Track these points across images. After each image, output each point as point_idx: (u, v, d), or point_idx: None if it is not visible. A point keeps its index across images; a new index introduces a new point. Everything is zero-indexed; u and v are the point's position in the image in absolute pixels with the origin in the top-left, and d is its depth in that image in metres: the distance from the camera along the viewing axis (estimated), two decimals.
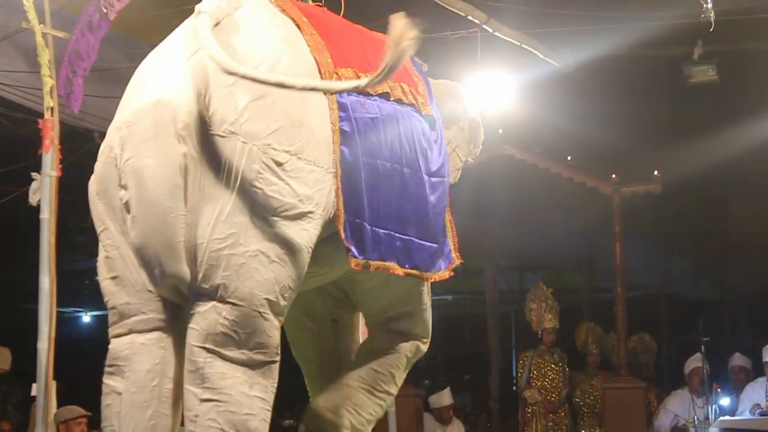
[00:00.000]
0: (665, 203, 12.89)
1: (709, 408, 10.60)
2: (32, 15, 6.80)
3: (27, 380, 6.78)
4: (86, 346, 21.11)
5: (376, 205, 4.47)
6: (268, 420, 4.11)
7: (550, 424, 11.56)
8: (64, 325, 17.78)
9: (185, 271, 4.08)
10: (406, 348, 5.00)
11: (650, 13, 9.31)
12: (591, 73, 10.45)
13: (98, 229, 4.34)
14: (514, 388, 12.03)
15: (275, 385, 4.16)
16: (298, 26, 4.50)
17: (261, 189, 4.04)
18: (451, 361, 19.93)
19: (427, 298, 5.04)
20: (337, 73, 4.39)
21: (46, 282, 6.65)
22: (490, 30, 9.20)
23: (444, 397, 11.80)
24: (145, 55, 10.22)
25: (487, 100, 9.97)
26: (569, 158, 11.98)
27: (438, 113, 5.06)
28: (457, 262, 5.06)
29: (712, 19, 8.11)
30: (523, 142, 11.97)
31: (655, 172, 11.86)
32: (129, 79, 10.04)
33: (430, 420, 12.00)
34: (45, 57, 6.84)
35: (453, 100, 5.44)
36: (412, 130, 4.70)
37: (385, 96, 4.59)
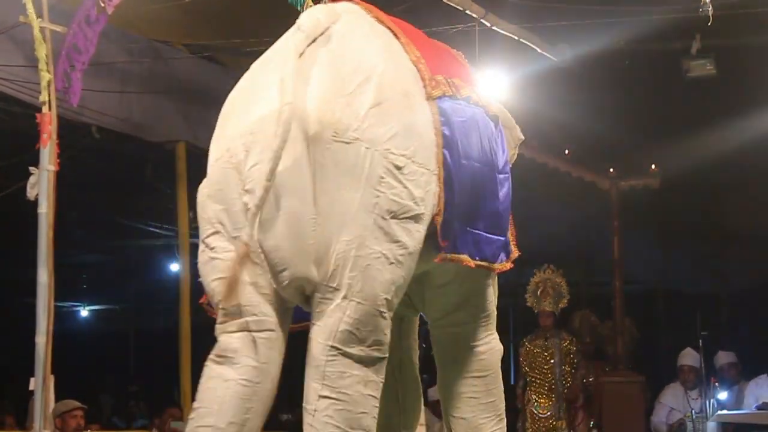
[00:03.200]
0: (663, 197, 12.90)
1: (707, 402, 10.61)
2: (30, 9, 6.80)
3: (25, 375, 6.77)
4: (84, 341, 21.25)
5: (462, 203, 4.65)
6: (377, 416, 4.33)
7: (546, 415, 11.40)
8: (62, 319, 17.79)
9: (313, 272, 4.23)
10: (496, 359, 5.19)
11: (648, 7, 9.32)
12: (589, 67, 10.45)
13: (206, 232, 4.42)
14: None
15: (383, 380, 4.38)
16: (395, 35, 4.70)
17: (384, 193, 4.23)
18: None
19: (492, 295, 5.18)
20: (435, 79, 4.60)
21: (44, 276, 6.65)
22: (488, 24, 9.20)
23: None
24: (143, 50, 10.25)
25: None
26: (567, 152, 11.99)
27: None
28: (516, 254, 5.25)
29: (710, 14, 8.11)
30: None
31: (653, 167, 11.88)
32: (126, 74, 10.06)
33: (428, 414, 12.00)
34: (42, 51, 6.83)
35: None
36: (486, 130, 4.91)
37: (467, 99, 4.79)
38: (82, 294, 20.84)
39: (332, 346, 4.21)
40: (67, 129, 7.69)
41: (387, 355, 4.38)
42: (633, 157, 12.38)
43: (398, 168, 4.26)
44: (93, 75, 7.90)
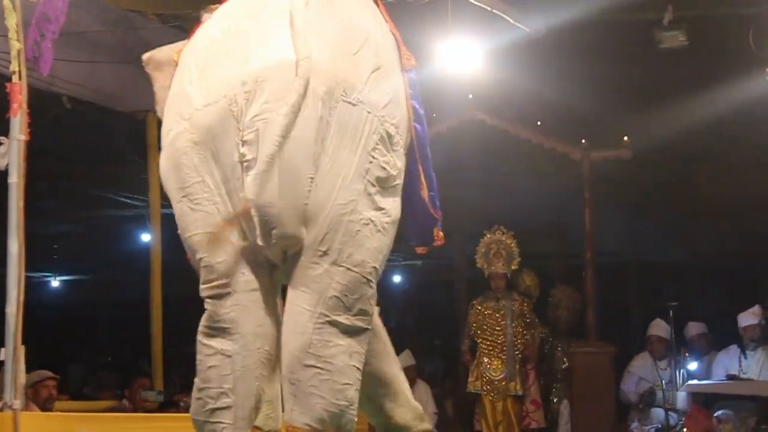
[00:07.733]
0: (635, 169, 12.94)
1: (676, 372, 10.70)
2: None
3: None
4: (55, 311, 21.18)
5: (431, 178, 4.65)
6: (359, 389, 4.25)
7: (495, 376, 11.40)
8: (33, 289, 17.73)
9: (302, 233, 4.13)
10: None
11: None
12: (562, 38, 10.46)
13: (189, 181, 4.22)
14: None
15: (365, 352, 4.30)
16: (375, 1, 4.63)
17: (376, 159, 4.18)
18: (422, 326, 19.94)
19: None
20: (406, 50, 4.55)
21: (15, 246, 6.61)
22: None
23: (405, 359, 11.43)
24: (115, 19, 10.13)
25: (458, 66, 9.98)
26: (539, 124, 12.01)
27: None
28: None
29: None
30: (493, 108, 11.99)
31: (625, 138, 11.91)
32: (98, 43, 9.94)
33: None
34: (12, 20, 6.77)
35: None
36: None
37: (413, 71, 4.70)
38: (53, 264, 20.74)
39: (321, 313, 4.12)
40: (38, 98, 7.65)
41: (371, 327, 4.31)
42: (605, 129, 12.41)
43: (390, 137, 4.23)
44: (64, 44, 7.84)
